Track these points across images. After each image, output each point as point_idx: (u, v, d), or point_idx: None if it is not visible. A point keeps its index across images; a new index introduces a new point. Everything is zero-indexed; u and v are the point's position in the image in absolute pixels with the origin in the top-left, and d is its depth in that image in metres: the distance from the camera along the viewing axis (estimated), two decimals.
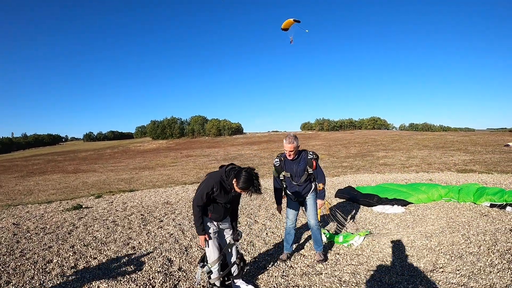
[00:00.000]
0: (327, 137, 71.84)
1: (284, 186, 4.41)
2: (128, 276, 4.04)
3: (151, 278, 3.97)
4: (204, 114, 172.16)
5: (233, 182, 3.17)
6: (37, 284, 3.91)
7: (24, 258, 4.81)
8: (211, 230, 3.40)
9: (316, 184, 4.32)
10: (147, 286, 3.77)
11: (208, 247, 3.40)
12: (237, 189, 3.17)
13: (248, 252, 4.84)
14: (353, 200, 7.70)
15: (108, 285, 3.80)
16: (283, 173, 4.32)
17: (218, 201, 3.30)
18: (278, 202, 4.55)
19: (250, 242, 5.30)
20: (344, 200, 8.04)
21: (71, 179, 21.14)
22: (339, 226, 5.93)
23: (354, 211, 7.03)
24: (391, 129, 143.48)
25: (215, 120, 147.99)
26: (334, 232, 5.49)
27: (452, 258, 4.21)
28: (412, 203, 7.16)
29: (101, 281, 3.92)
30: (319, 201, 4.34)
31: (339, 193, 8.31)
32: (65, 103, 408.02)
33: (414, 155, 22.61)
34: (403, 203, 6.98)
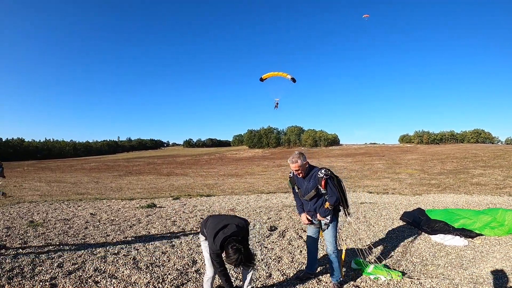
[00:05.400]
0: (425, 151, 68.89)
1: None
2: (150, 268, 4.79)
3: (166, 273, 4.63)
4: (300, 124, 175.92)
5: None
6: (79, 261, 4.98)
7: (83, 240, 6.16)
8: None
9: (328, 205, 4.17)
10: (159, 279, 4.43)
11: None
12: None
13: (269, 267, 4.98)
14: (415, 225, 7.16)
15: (130, 272, 4.61)
16: (296, 186, 4.42)
17: None
18: (300, 211, 4.52)
19: (279, 257, 5.39)
20: (406, 224, 7.50)
21: (162, 180, 24.23)
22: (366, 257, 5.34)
23: (410, 238, 6.46)
24: (496, 143, 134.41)
25: (311, 130, 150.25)
26: (368, 261, 5.05)
27: None
28: (483, 235, 6.27)
29: (128, 267, 4.77)
30: (318, 215, 4.23)
31: (404, 216, 7.77)
32: (168, 111, 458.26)
33: None
34: (470, 234, 6.19)
